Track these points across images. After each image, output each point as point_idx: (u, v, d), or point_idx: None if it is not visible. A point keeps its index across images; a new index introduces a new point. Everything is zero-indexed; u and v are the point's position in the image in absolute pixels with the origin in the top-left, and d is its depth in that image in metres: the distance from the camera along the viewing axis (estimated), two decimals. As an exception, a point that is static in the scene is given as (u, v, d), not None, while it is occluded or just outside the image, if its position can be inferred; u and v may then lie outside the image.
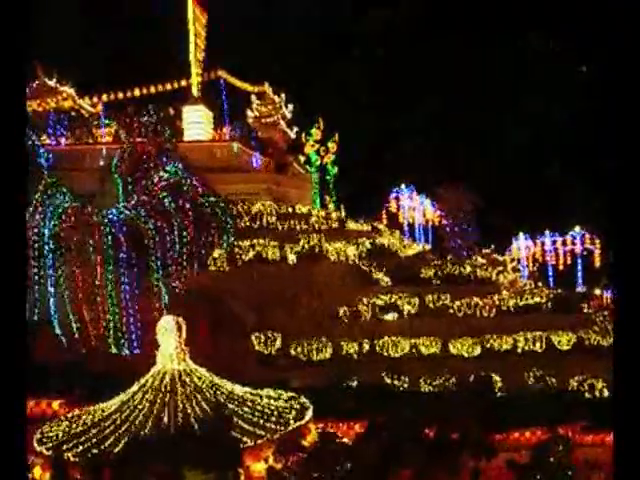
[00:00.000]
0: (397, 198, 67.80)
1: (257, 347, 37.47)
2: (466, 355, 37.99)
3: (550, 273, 71.12)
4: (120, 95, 61.81)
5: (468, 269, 45.99)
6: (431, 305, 41.39)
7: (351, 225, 51.35)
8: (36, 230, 35.03)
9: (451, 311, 41.00)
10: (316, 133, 56.64)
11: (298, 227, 46.78)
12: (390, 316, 40.47)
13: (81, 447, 20.00)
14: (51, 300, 34.59)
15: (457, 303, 41.04)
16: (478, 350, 38.12)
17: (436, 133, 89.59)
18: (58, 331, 34.66)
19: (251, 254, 42.01)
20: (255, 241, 42.66)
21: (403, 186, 68.40)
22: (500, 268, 54.47)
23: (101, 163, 46.45)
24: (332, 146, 57.16)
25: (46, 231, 35.23)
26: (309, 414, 22.33)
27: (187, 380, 21.92)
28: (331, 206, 55.24)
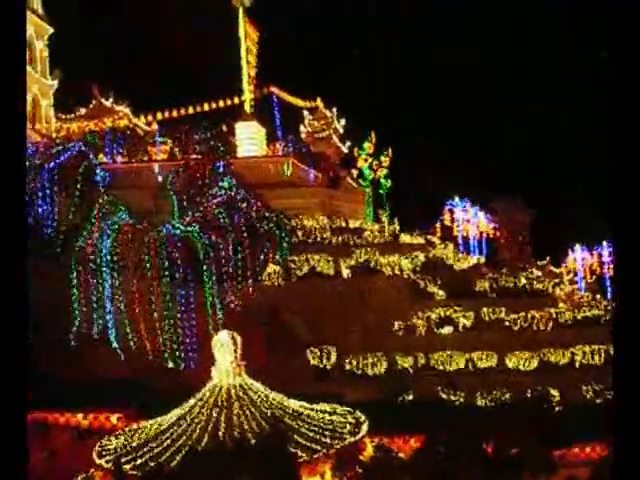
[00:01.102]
0: (451, 211, 67.45)
1: (312, 361, 37.49)
2: (523, 369, 37.50)
3: (608, 284, 69.89)
4: (174, 113, 62.72)
5: (524, 281, 45.47)
6: (486, 318, 40.97)
7: (405, 239, 51.15)
8: (94, 247, 35.66)
9: (507, 324, 40.53)
10: (368, 147, 56.54)
11: (352, 241, 46.71)
12: (445, 330, 40.16)
13: (139, 460, 20.25)
14: (109, 315, 35.12)
15: (513, 316, 40.56)
16: (535, 364, 37.61)
17: (490, 146, 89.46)
18: (116, 346, 35.17)
19: (305, 269, 42.06)
20: (309, 256, 42.69)
21: (457, 199, 68.05)
22: (556, 280, 53.73)
23: (156, 180, 47.01)
24: (385, 160, 57.03)
25: (103, 248, 35.81)
26: (364, 429, 22.30)
27: (243, 394, 22.05)
28: (384, 220, 55.02)
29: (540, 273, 56.23)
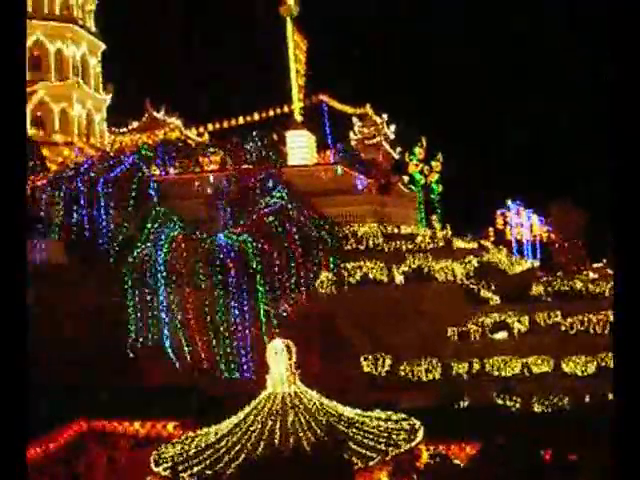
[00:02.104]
0: (504, 214, 66.93)
1: (366, 369, 37.44)
2: (580, 374, 36.92)
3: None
4: (225, 124, 63.33)
5: (579, 284, 44.83)
6: (542, 323, 40.46)
7: (458, 243, 50.87)
8: (148, 258, 36.12)
9: (563, 328, 39.96)
10: (419, 152, 56.40)
11: (404, 247, 46.58)
12: (500, 335, 39.79)
13: (196, 468, 20.39)
14: (164, 325, 35.53)
15: (569, 320, 39.97)
16: (592, 368, 36.97)
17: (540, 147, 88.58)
18: (171, 356, 35.54)
19: (358, 276, 42.05)
20: (362, 263, 42.69)
21: (509, 202, 67.48)
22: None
23: (209, 191, 47.45)
24: (436, 165, 56.81)
25: (158, 258, 36.26)
26: (420, 435, 22.17)
27: (297, 402, 22.09)
28: (437, 225, 54.83)
29: (596, 275, 55.44)
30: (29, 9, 66.60)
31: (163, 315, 35.50)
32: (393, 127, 65.05)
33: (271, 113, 63.16)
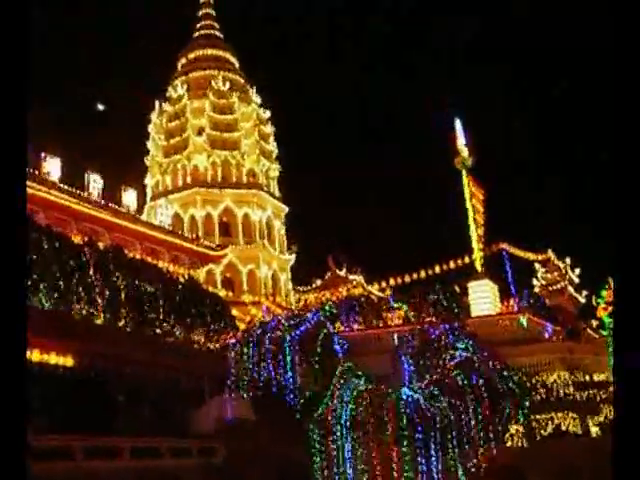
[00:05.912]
0: None
1: (564, 527, 35.37)
2: None
3: None
4: (406, 278, 64.12)
5: None
6: None
7: (656, 390, 48.06)
8: (334, 413, 36.35)
9: None
10: (607, 294, 54.59)
11: (598, 397, 44.57)
12: None
13: None
14: (350, 478, 35.22)
15: None
16: None
17: None
18: (357, 510, 34.99)
19: (550, 428, 40.48)
20: (553, 414, 41.15)
21: None
22: None
23: (393, 345, 47.62)
24: (626, 307, 54.65)
25: (344, 414, 36.40)
26: None
27: None
28: (632, 372, 52.14)
29: None
30: (219, 179, 71.52)
31: (349, 471, 35.28)
32: (577, 270, 63.65)
33: (452, 265, 63.44)
